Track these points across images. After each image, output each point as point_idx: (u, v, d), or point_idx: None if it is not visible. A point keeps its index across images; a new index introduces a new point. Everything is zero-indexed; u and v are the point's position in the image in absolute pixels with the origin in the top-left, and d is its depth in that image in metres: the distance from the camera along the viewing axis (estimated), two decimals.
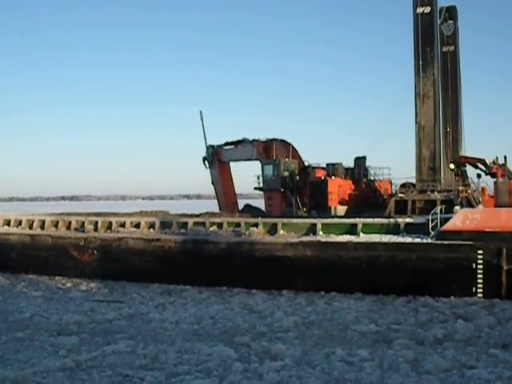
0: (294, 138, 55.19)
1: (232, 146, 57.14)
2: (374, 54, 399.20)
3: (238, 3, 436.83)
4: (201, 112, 58.99)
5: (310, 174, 50.94)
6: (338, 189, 48.03)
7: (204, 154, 58.65)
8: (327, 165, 49.74)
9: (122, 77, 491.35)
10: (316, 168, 51.46)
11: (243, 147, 55.43)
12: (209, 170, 58.62)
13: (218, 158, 57.69)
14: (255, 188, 52.85)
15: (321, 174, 50.37)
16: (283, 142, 53.45)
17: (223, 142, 57.87)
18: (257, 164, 53.46)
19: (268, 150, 52.78)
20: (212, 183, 58.74)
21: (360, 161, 50.14)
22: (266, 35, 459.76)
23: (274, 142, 53.51)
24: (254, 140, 54.32)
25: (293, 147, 52.90)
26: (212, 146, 58.21)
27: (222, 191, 58.07)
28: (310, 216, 43.85)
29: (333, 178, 48.26)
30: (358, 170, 49.85)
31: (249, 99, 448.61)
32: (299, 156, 52.68)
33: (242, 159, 56.42)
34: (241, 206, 56.75)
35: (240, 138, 55.82)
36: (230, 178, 59.01)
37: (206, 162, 58.44)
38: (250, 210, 53.98)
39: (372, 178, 50.69)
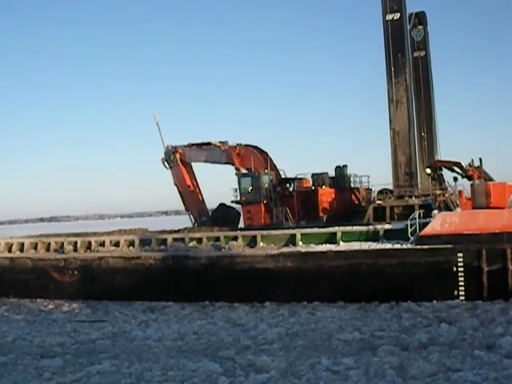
0: (264, 145, 53.28)
1: (196, 148, 56.06)
2: (351, 55, 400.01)
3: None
4: (155, 115, 57.66)
5: (296, 184, 50.74)
6: (328, 198, 48.10)
7: (162, 156, 57.13)
8: (313, 174, 49.57)
9: (85, 95, 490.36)
10: (301, 178, 51.14)
11: (211, 150, 54.44)
12: (169, 170, 56.93)
13: (180, 158, 56.20)
14: (232, 201, 51.62)
15: (308, 184, 50.37)
16: (258, 149, 52.73)
17: (186, 143, 56.64)
18: (225, 173, 52.85)
19: (243, 158, 52.06)
20: (175, 184, 56.88)
21: (342, 169, 50.08)
22: (238, 41, 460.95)
23: (248, 148, 52.69)
24: (221, 142, 53.62)
25: (268, 156, 52.27)
26: (173, 147, 56.84)
27: (188, 190, 56.55)
28: (299, 226, 43.49)
29: (323, 187, 48.23)
30: (342, 179, 49.82)
31: (212, 106, 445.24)
32: (275, 165, 51.91)
33: (209, 162, 55.36)
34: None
35: (205, 141, 55.08)
36: (193, 178, 57.48)
37: (166, 163, 56.88)
38: (224, 209, 53.61)
39: (354, 186, 50.63)
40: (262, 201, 48.60)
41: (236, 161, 52.00)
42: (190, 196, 56.28)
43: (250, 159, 51.23)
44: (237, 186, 50.30)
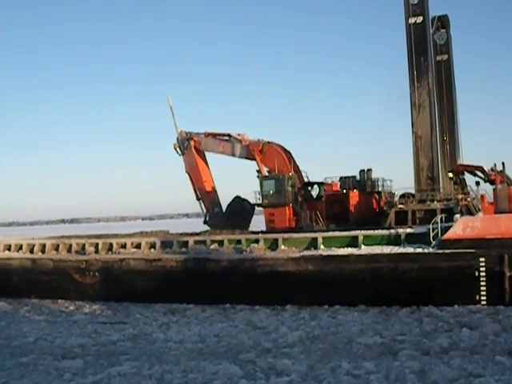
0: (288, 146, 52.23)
1: (213, 138, 55.34)
2: (375, 60, 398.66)
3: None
4: (169, 98, 56.13)
5: (323, 188, 50.43)
6: (358, 202, 47.95)
7: (175, 141, 56.36)
8: (341, 178, 49.24)
9: (120, 91, 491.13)
10: (324, 183, 50.61)
11: (230, 142, 53.62)
12: (181, 156, 56.13)
13: (194, 146, 55.19)
14: (255, 204, 51.28)
15: (336, 187, 49.84)
16: (281, 148, 52.12)
17: (202, 131, 55.71)
18: (238, 165, 52.26)
19: (266, 156, 51.31)
20: (186, 171, 55.91)
21: (368, 173, 49.71)
22: (256, 42, 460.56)
23: (272, 146, 51.84)
24: (239, 135, 53.30)
25: (292, 157, 51.65)
26: (187, 133, 55.91)
27: (201, 179, 55.18)
28: (329, 230, 43.05)
29: (354, 191, 48.05)
30: (368, 183, 49.51)
31: (233, 108, 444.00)
32: (298, 167, 51.47)
33: (225, 154, 54.07)
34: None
35: (224, 132, 54.84)
36: (207, 167, 56.31)
37: (178, 149, 56.09)
38: (240, 202, 53.04)
39: (378, 190, 50.29)
40: (288, 204, 48.20)
41: (258, 158, 51.30)
42: (203, 185, 55.19)
43: (273, 158, 50.57)
44: (258, 188, 49.65)
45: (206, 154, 56.07)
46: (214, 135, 55.21)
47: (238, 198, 53.71)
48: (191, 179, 55.63)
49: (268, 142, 51.99)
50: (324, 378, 19.77)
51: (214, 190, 55.78)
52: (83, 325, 33.53)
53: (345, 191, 48.40)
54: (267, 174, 50.57)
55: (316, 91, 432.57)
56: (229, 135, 53.91)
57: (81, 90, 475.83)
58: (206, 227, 52.95)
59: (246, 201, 52.78)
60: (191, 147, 54.99)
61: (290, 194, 48.43)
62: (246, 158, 52.60)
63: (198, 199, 55.68)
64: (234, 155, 53.38)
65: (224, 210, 54.31)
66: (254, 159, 51.65)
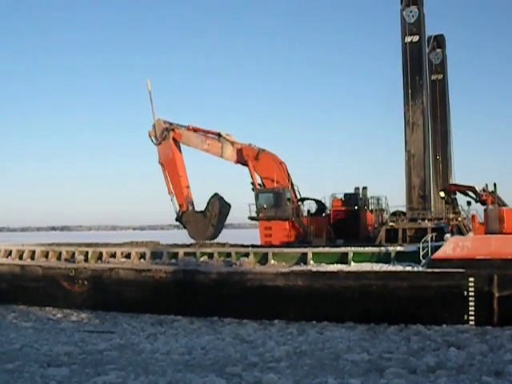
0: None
1: (198, 134, 52.17)
2: (367, 75, 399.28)
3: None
4: (148, 82, 51.84)
5: (328, 204, 49.44)
6: (367, 218, 47.88)
7: (150, 128, 52.54)
8: (345, 194, 48.53)
9: (113, 102, 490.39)
10: (335, 198, 49.69)
11: (218, 141, 51.07)
12: (156, 146, 52.40)
13: (173, 137, 51.88)
14: (250, 217, 49.59)
15: (338, 203, 48.57)
16: (276, 157, 50.42)
17: (186, 124, 52.59)
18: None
19: (260, 164, 49.53)
20: (160, 162, 52.26)
21: (364, 191, 49.42)
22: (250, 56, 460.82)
23: (268, 154, 49.95)
24: (227, 135, 51.07)
25: (286, 168, 50.18)
26: (167, 122, 52.45)
27: (177, 173, 51.69)
28: (338, 245, 42.50)
29: (365, 208, 48.01)
30: (366, 200, 49.23)
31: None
32: (291, 179, 50.08)
33: (209, 153, 51.40)
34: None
35: (212, 130, 52.13)
36: (183, 161, 52.89)
37: (153, 138, 52.35)
38: (221, 200, 50.46)
39: (376, 208, 49.86)
40: (288, 218, 47.67)
41: (251, 164, 49.59)
42: (178, 180, 51.81)
43: (268, 167, 49.50)
44: (252, 200, 48.71)
45: (184, 149, 53.40)
46: (200, 131, 52.45)
47: (217, 195, 51.08)
48: (164, 172, 52.37)
49: (262, 150, 50.31)
50: None
51: (188, 187, 52.53)
52: (70, 333, 33.46)
53: (356, 207, 47.86)
54: (259, 185, 49.64)
55: (304, 103, 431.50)
56: (219, 134, 51.45)
57: (72, 99, 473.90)
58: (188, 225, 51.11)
59: (223, 198, 51.05)
60: (169, 138, 51.93)
61: (289, 208, 47.97)
62: (236, 162, 50.82)
63: (170, 193, 52.09)
64: (221, 156, 51.21)
65: (205, 207, 51.01)
66: (246, 165, 50.10)
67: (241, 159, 50.31)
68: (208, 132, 52.26)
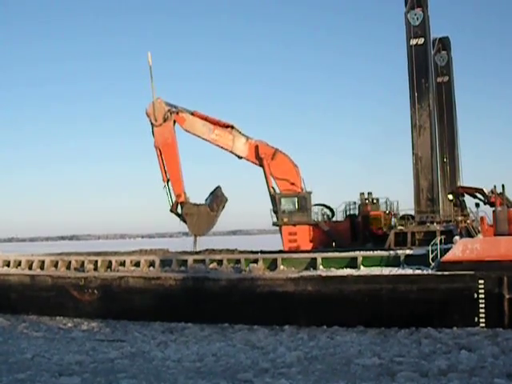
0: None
1: (206, 122, 48.00)
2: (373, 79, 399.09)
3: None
4: (148, 55, 47.29)
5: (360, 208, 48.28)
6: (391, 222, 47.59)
7: (149, 108, 47.83)
8: (372, 200, 48.36)
9: (114, 108, 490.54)
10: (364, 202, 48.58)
11: (228, 132, 47.70)
12: (154, 128, 47.86)
13: (174, 120, 47.86)
14: (274, 223, 47.74)
15: (369, 208, 47.44)
16: (291, 158, 48.09)
17: (192, 109, 48.52)
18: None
19: (275, 164, 47.16)
20: (156, 146, 47.75)
21: (369, 195, 48.95)
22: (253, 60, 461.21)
23: (283, 155, 47.61)
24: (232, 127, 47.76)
25: (299, 170, 48.19)
26: (170, 104, 48.40)
27: (176, 159, 47.83)
28: (367, 248, 41.98)
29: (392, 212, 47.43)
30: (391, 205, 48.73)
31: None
32: (303, 183, 48.19)
33: (217, 144, 47.89)
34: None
35: (221, 120, 48.04)
36: (178, 149, 48.41)
37: (152, 118, 47.54)
38: (223, 193, 48.38)
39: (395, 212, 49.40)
40: (315, 222, 46.97)
41: (266, 164, 47.19)
42: (176, 167, 47.91)
43: (284, 168, 47.60)
44: (272, 207, 47.41)
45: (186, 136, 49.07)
46: (208, 119, 48.24)
47: (220, 187, 48.71)
48: (161, 156, 47.94)
49: (276, 149, 47.91)
50: None
51: (181, 177, 48.28)
52: (81, 342, 33.47)
53: (387, 212, 47.36)
54: (273, 188, 47.67)
55: (308, 108, 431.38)
56: (232, 127, 47.76)
57: (91, 104, 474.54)
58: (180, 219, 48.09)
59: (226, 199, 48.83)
60: (171, 120, 47.73)
61: (314, 213, 47.36)
62: (247, 159, 48.05)
63: (164, 181, 47.96)
64: (231, 150, 48.04)
65: (210, 199, 48.23)
66: (260, 164, 47.70)
67: (255, 157, 47.80)
68: (218, 123, 48.25)
